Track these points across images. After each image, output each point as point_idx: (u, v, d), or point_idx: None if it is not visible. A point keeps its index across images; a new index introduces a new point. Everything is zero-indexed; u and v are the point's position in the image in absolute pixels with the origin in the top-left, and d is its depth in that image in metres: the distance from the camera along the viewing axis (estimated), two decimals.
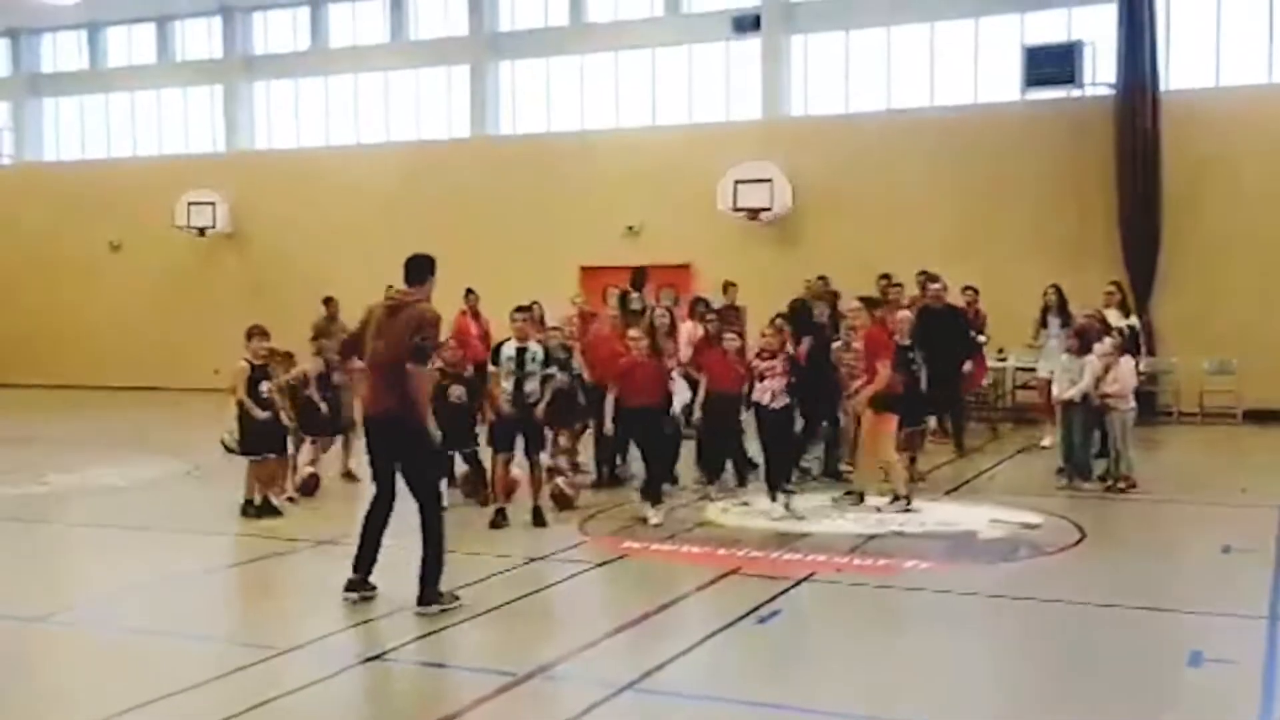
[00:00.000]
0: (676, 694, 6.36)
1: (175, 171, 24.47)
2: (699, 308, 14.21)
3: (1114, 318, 13.80)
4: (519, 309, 10.65)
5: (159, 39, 25.86)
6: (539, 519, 10.34)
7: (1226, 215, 17.71)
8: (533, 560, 9.19)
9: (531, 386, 10.34)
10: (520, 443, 10.43)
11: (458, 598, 7.78)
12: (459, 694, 6.32)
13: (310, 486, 11.92)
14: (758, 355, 11.35)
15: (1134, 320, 14.56)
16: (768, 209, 19.66)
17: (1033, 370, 15.45)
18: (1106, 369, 11.81)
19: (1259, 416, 17.12)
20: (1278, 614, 7.64)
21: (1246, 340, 17.29)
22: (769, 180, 19.63)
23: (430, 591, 7.68)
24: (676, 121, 21.48)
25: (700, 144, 20.46)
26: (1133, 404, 11.94)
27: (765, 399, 11.14)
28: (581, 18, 22.23)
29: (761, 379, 11.16)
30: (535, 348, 10.46)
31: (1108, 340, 12.11)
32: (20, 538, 10.71)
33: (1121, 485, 11.78)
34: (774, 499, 10.95)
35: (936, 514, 10.76)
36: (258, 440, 10.89)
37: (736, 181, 19.71)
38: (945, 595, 8.33)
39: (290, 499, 11.49)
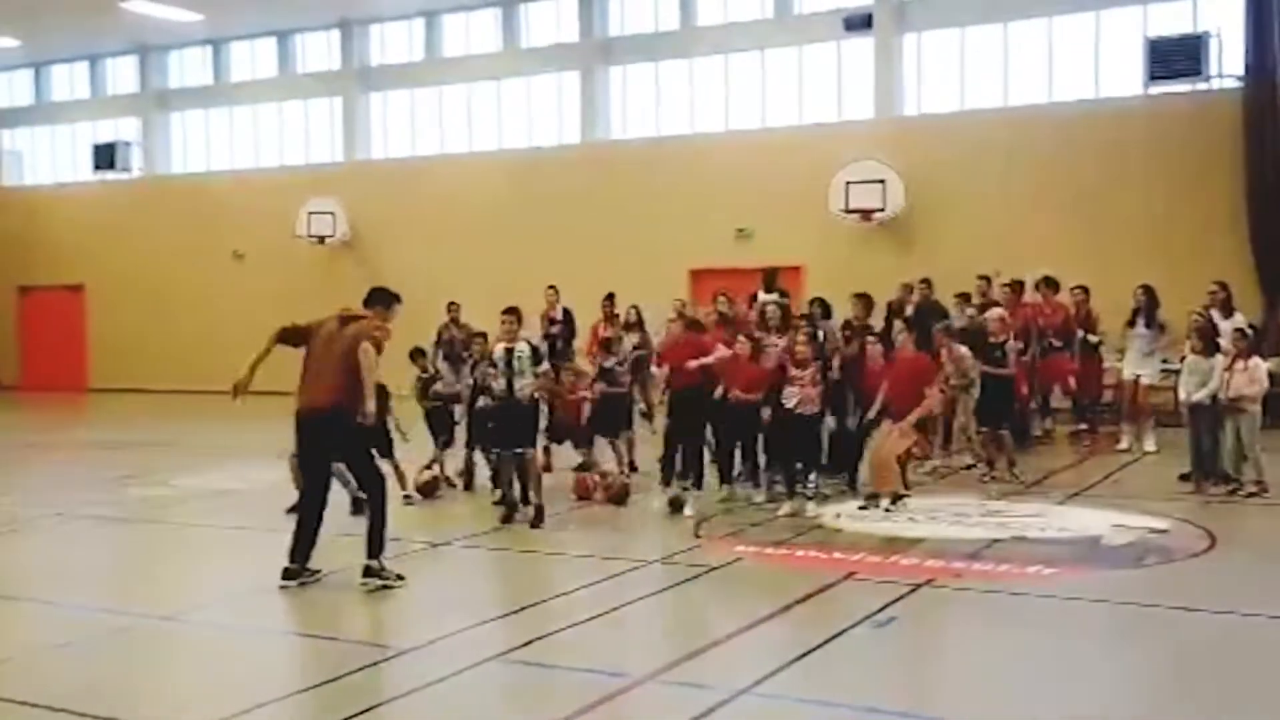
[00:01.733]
0: (794, 699, 6.30)
1: (296, 182, 25.09)
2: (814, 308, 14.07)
3: (1214, 318, 13.30)
4: (507, 311, 11.00)
5: (280, 53, 26.54)
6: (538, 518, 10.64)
7: None
8: (648, 563, 9.20)
9: (521, 383, 10.70)
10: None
11: (401, 576, 8.40)
12: (575, 696, 6.33)
13: (431, 488, 12.14)
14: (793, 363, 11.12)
15: (1240, 320, 13.95)
16: (880, 209, 19.43)
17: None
18: (1233, 369, 11.43)
19: None
20: None
21: None
22: (881, 181, 19.39)
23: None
24: (787, 123, 21.34)
25: (811, 145, 20.31)
26: (1258, 406, 11.52)
27: (791, 404, 11.00)
28: (691, 21, 22.23)
29: (789, 385, 11.03)
30: (523, 347, 10.78)
31: (1232, 340, 11.73)
32: (149, 538, 11.09)
33: (1253, 489, 11.38)
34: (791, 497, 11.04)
35: (1058, 519, 10.52)
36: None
37: (848, 182, 19.51)
38: (1069, 601, 8.13)
39: (409, 499, 11.70)
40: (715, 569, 9.13)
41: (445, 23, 24.69)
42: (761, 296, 15.51)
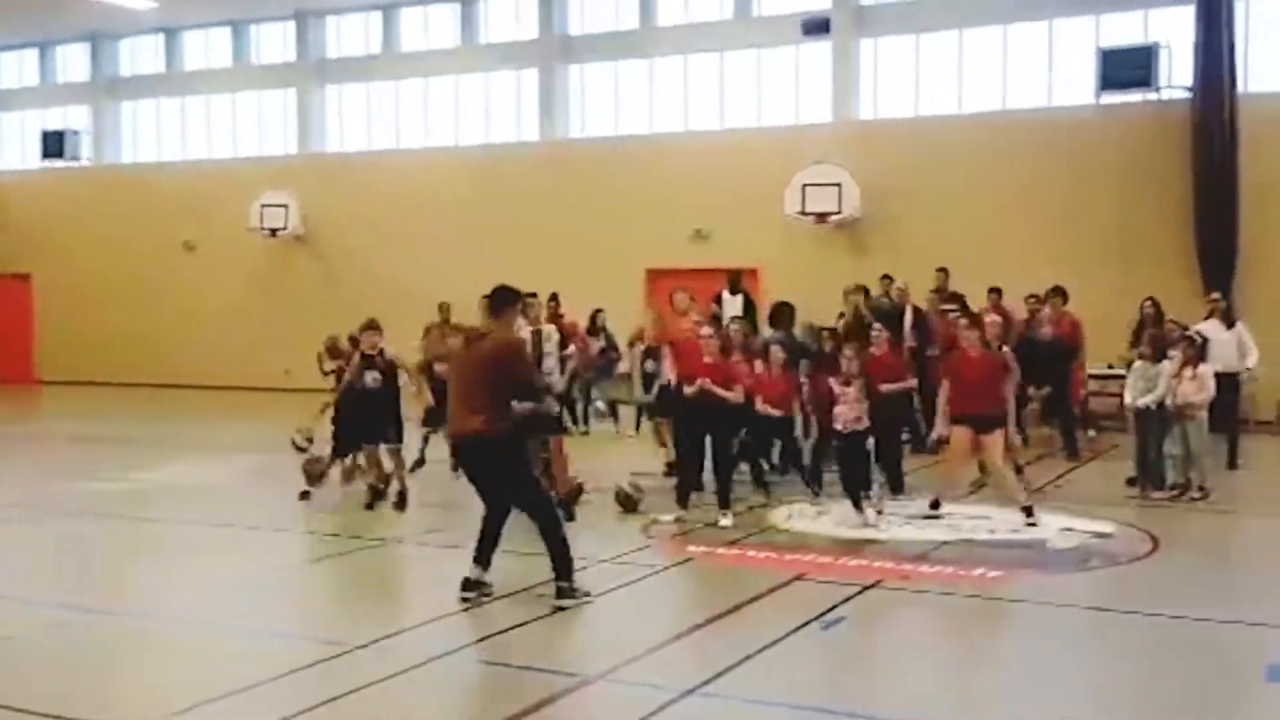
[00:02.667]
0: (741, 699, 6.33)
1: (249, 174, 24.85)
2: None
3: (1213, 328, 13.48)
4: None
5: (234, 43, 26.29)
6: None
7: None
8: (599, 563, 9.20)
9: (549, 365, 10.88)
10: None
11: (588, 593, 8.01)
12: (526, 694, 6.33)
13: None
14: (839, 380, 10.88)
15: (1240, 330, 14.07)
16: (836, 213, 19.54)
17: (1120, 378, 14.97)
18: (1181, 376, 11.59)
19: None
20: None
21: None
22: (838, 184, 19.50)
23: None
24: (745, 124, 21.43)
25: (769, 147, 20.39)
26: (1205, 412, 11.69)
27: (839, 425, 10.79)
28: (651, 21, 22.25)
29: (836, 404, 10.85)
30: (549, 328, 10.98)
31: (1180, 348, 11.90)
32: (103, 533, 10.94)
33: (1196, 495, 11.56)
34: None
35: (1006, 522, 10.62)
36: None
37: (805, 185, 19.61)
38: (1014, 604, 8.22)
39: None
40: (666, 569, 9.15)
41: (402, 16, 24.56)
42: (725, 298, 15.60)
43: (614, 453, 14.75)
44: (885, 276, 16.26)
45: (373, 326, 11.46)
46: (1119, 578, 9.01)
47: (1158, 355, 11.85)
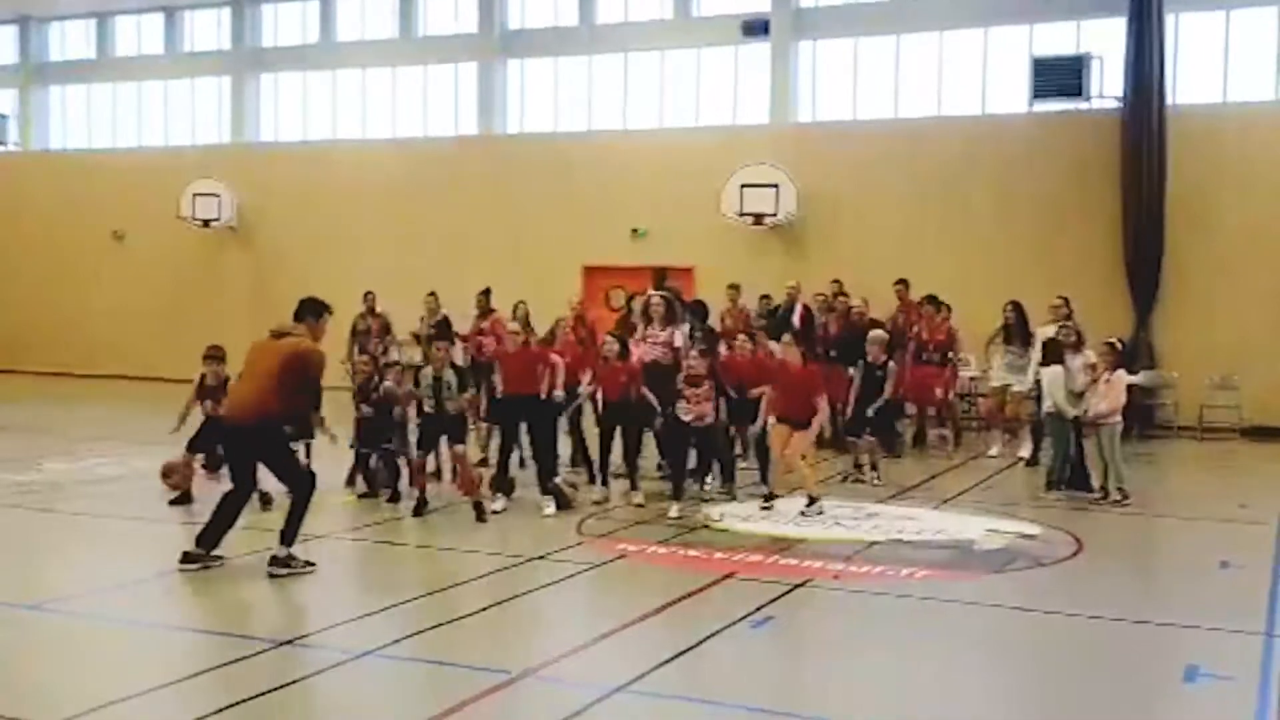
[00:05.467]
0: (669, 696, 6.34)
1: (181, 162, 24.46)
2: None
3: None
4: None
5: (167, 29, 25.85)
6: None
7: (1231, 231, 17.69)
8: (528, 560, 9.17)
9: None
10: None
11: (311, 563, 8.69)
12: (451, 692, 6.30)
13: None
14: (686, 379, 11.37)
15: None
16: (773, 214, 19.64)
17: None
18: (1094, 382, 11.81)
19: (1259, 434, 17.09)
20: (1274, 630, 7.63)
21: (1249, 357, 17.26)
22: (775, 186, 19.60)
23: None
24: (684, 124, 21.47)
25: (707, 147, 20.45)
26: (1119, 419, 11.88)
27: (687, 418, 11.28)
28: (591, 18, 22.22)
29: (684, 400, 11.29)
30: (450, 375, 10.98)
31: (1089, 353, 12.12)
32: (14, 524, 10.70)
33: (1117, 497, 11.76)
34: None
35: (934, 523, 10.75)
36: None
37: (742, 186, 19.68)
38: (940, 604, 8.31)
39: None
40: (596, 567, 9.14)
41: (340, 6, 24.31)
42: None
43: None
44: (835, 281, 16.45)
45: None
46: (1044, 579, 9.14)
47: (1054, 359, 12.09)
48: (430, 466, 11.59)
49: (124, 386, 23.01)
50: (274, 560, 8.63)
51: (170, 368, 23.76)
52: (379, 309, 15.99)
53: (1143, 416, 16.91)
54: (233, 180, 23.89)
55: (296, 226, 23.52)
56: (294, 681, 6.37)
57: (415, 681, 6.65)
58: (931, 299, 15.53)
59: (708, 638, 7.26)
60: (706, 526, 10.61)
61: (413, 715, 6.09)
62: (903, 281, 16.39)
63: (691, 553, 9.61)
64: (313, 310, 9.01)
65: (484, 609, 7.82)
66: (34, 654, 7.05)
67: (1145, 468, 14.05)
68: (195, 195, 23.86)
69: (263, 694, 6.18)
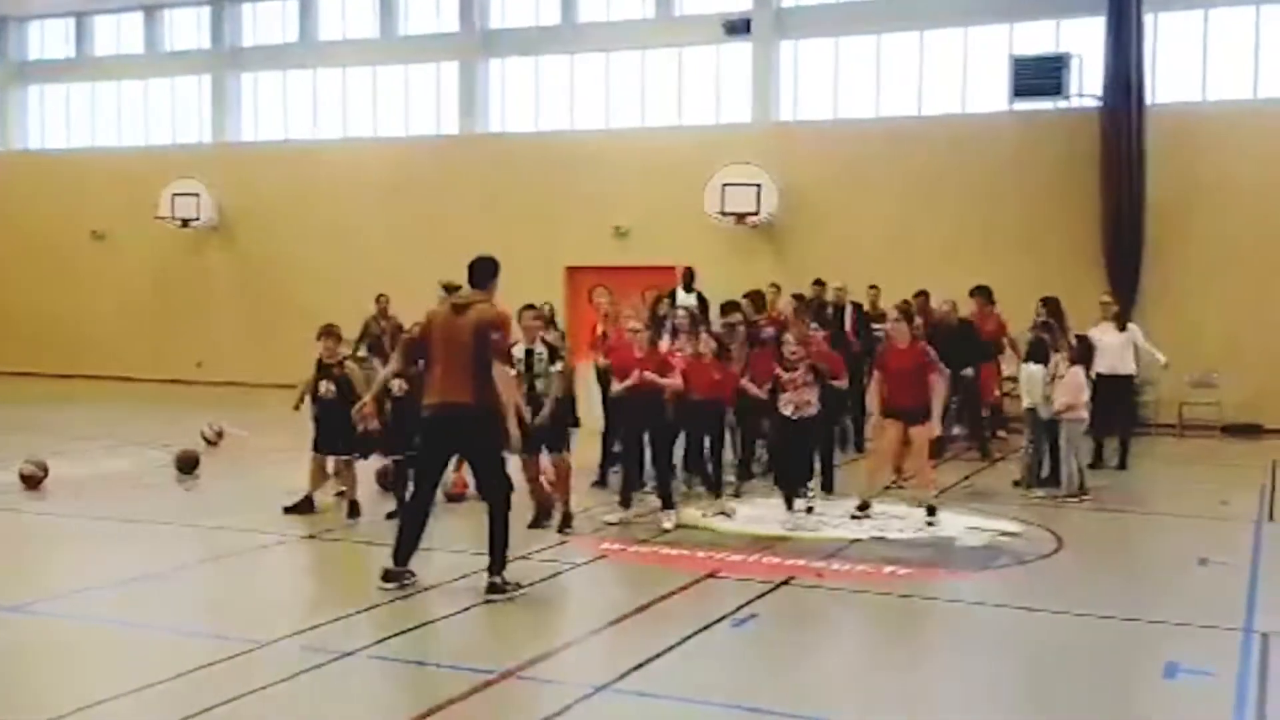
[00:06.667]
0: (651, 695, 6.35)
1: (160, 162, 24.34)
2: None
3: (1104, 331, 13.81)
4: (528, 307, 10.48)
5: (147, 28, 25.72)
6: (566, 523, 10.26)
7: (1210, 230, 17.80)
8: (511, 559, 9.15)
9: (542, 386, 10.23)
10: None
11: (520, 585, 8.06)
12: (436, 691, 6.30)
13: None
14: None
15: (1134, 333, 14.42)
16: (754, 213, 19.67)
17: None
18: (1054, 379, 11.87)
19: (1238, 431, 17.20)
20: (1253, 626, 7.68)
21: (1228, 354, 17.37)
22: (756, 185, 19.63)
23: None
24: (666, 123, 21.47)
25: (689, 147, 20.46)
26: (1082, 415, 11.90)
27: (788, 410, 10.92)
28: (573, 17, 22.20)
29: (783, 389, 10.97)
30: (541, 348, 10.32)
31: (1059, 353, 12.21)
32: (2, 525, 10.66)
33: (1072, 492, 11.78)
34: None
35: (916, 521, 10.77)
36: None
37: (725, 185, 19.70)
38: (922, 601, 8.34)
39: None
40: (579, 566, 9.15)
41: (320, 5, 24.24)
42: (680, 295, 15.61)
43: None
44: (817, 281, 16.41)
45: (330, 333, 10.85)
46: (1025, 576, 9.18)
47: (1035, 358, 12.13)
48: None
49: (104, 387, 22.90)
50: (491, 588, 8.02)
51: (151, 368, 23.78)
52: (391, 312, 15.79)
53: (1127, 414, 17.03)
54: (213, 180, 23.78)
55: (278, 226, 23.44)
56: (277, 682, 6.35)
57: (399, 681, 6.65)
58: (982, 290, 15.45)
59: (690, 636, 7.26)
60: (689, 526, 10.60)
61: (396, 715, 6.08)
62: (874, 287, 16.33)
63: (674, 552, 9.61)
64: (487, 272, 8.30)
65: (467, 608, 7.81)
66: (18, 656, 7.03)
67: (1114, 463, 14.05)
68: (174, 195, 23.76)
69: (246, 694, 6.16)
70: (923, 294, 15.82)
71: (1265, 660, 7.02)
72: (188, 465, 12.42)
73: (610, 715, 6.12)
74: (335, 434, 10.57)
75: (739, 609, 7.84)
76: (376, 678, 6.66)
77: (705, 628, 7.44)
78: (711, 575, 8.79)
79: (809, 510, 10.85)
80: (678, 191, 20.00)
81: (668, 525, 10.32)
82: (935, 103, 19.94)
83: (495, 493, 8.19)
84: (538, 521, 10.23)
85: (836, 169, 19.71)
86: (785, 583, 8.59)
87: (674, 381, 10.48)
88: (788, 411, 10.87)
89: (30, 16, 26.50)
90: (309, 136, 24.20)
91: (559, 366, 10.44)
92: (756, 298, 14.12)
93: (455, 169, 22.18)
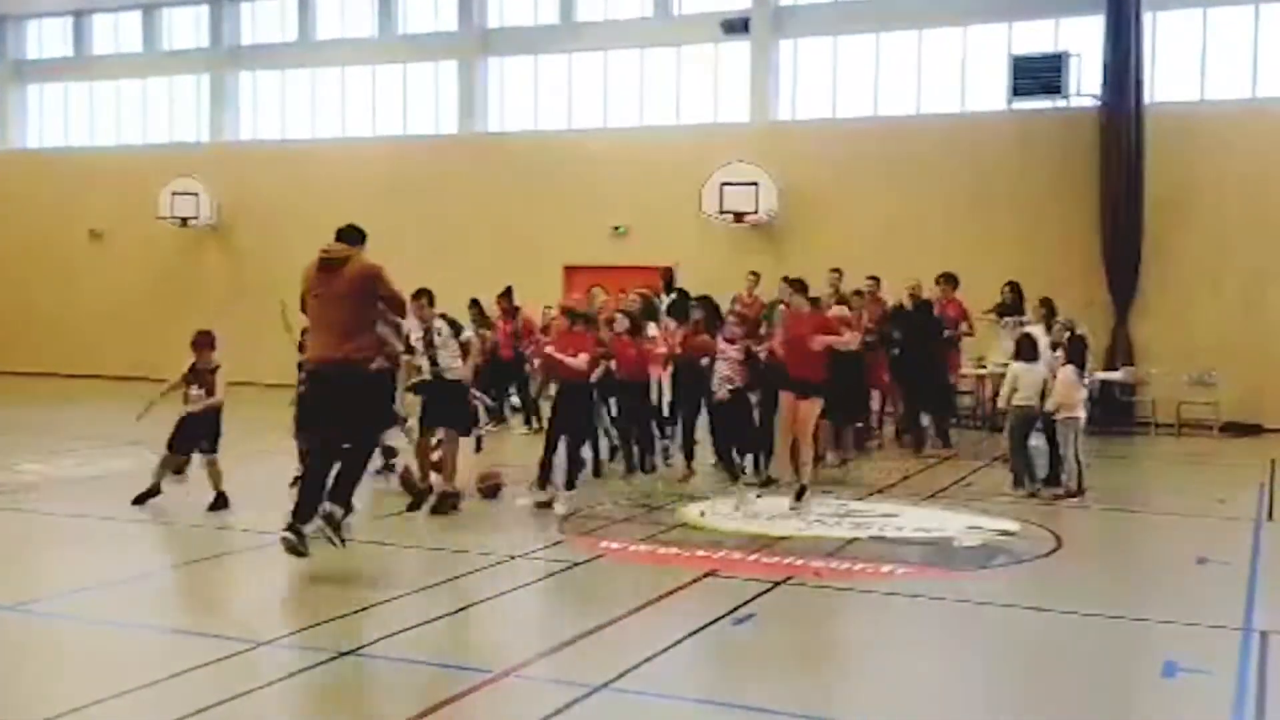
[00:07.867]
0: (650, 694, 6.34)
1: (159, 161, 24.34)
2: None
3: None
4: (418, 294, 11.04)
5: (145, 27, 25.72)
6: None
7: (1209, 229, 17.81)
8: (511, 558, 9.16)
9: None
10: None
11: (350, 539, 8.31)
12: (433, 690, 6.29)
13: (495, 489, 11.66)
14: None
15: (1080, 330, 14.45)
16: (753, 213, 19.66)
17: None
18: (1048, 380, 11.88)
19: (1236, 429, 17.20)
20: (1251, 625, 7.68)
21: (1226, 353, 17.37)
22: (755, 184, 19.63)
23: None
24: (664, 122, 21.46)
25: (688, 146, 20.45)
26: (1077, 414, 11.89)
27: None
28: (571, 16, 22.20)
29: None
30: (440, 323, 10.89)
31: (1050, 353, 12.20)
32: None
33: (1061, 493, 11.78)
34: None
35: (914, 519, 10.78)
36: None
37: (723, 184, 19.70)
38: (921, 600, 8.34)
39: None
40: (577, 565, 9.14)
41: (319, 4, 24.23)
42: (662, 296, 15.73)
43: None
44: (834, 270, 16.36)
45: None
46: (1023, 575, 9.18)
47: (1022, 356, 12.14)
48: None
49: (102, 386, 22.87)
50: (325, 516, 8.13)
51: (149, 367, 23.61)
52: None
53: (1120, 414, 17.05)
54: (212, 179, 23.79)
55: (276, 225, 23.40)
56: (274, 682, 6.34)
57: (395, 681, 6.64)
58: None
59: (688, 635, 7.26)
60: (685, 524, 10.61)
61: (393, 715, 6.07)
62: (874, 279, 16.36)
63: (672, 551, 9.61)
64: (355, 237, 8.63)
65: (464, 607, 7.81)
66: (17, 656, 7.02)
67: (1123, 464, 14.11)
68: (173, 194, 23.77)
69: (245, 694, 6.15)
70: (873, 279, 16.17)
71: (1264, 659, 7.02)
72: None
73: (610, 715, 6.11)
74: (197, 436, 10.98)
75: (738, 608, 7.83)
76: (372, 678, 6.65)
77: (704, 627, 7.44)
78: (710, 574, 8.79)
79: (759, 496, 11.19)
80: (676, 190, 20.00)
81: (560, 510, 10.67)
82: (934, 102, 19.94)
83: (352, 454, 8.23)
84: (416, 505, 10.62)
85: (835, 168, 19.71)
86: (784, 582, 8.58)
87: (576, 361, 10.94)
88: (716, 388, 11.38)
89: (29, 15, 26.49)
90: (308, 136, 24.19)
91: (465, 336, 11.03)
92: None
93: (454, 168, 22.17)
